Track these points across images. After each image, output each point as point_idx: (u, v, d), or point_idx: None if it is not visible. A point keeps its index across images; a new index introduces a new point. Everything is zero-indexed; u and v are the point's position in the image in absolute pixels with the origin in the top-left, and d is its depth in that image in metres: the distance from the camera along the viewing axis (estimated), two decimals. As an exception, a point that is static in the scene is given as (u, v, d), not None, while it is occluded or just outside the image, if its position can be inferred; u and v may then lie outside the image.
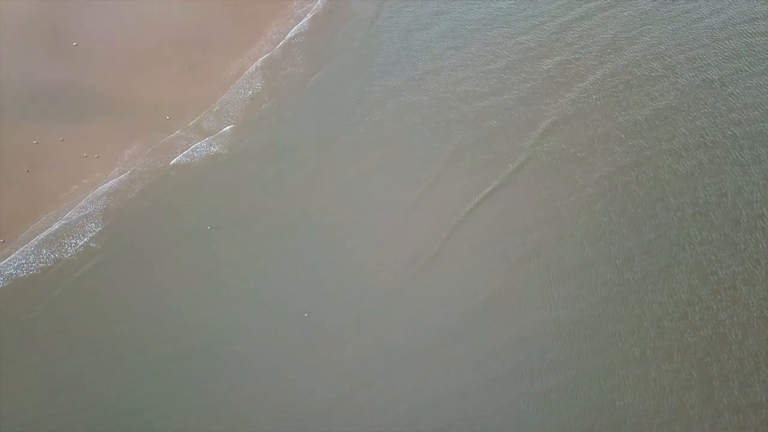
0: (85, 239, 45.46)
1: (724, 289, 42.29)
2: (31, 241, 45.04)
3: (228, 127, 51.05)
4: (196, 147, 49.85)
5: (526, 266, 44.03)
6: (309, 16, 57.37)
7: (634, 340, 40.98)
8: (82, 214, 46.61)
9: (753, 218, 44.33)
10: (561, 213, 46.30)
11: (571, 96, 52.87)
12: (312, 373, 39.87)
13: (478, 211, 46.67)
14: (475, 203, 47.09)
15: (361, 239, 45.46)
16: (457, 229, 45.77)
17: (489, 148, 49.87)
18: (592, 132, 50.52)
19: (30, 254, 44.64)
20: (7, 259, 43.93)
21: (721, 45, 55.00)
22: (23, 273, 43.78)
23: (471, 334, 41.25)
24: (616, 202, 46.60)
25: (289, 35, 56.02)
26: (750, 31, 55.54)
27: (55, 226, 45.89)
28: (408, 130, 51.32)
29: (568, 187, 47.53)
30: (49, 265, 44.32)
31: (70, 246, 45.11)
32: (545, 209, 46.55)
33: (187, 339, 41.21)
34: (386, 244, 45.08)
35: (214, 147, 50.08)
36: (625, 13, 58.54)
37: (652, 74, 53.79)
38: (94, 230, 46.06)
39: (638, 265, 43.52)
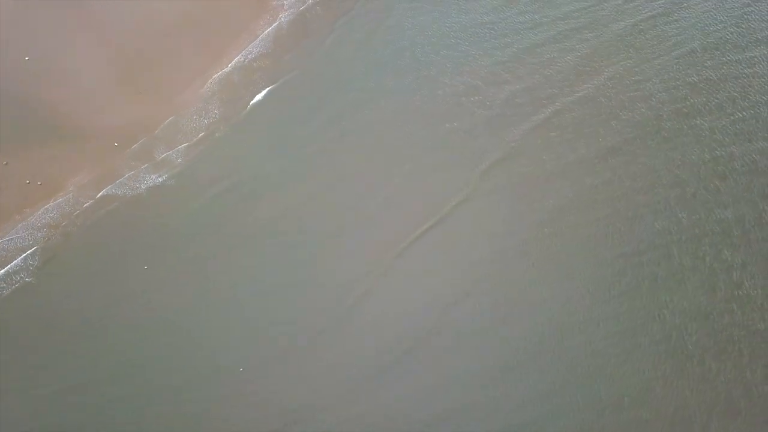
0: (20, 273, 43.58)
1: (692, 365, 38.58)
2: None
3: (179, 156, 48.35)
4: (143, 177, 47.31)
5: (457, 314, 40.94)
6: (271, 33, 53.85)
7: (588, 413, 37.77)
8: (18, 245, 44.70)
9: (731, 287, 40.26)
10: (506, 255, 42.89)
11: (531, 125, 48.35)
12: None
13: (418, 244, 43.61)
14: (417, 236, 44.01)
15: (292, 276, 43.09)
16: (395, 264, 43.02)
17: (442, 177, 46.39)
18: (550, 166, 46.22)
19: (-41, 286, 42.94)
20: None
21: (707, 77, 49.17)
22: (-49, 306, 42.20)
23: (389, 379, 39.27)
24: (573, 250, 42.65)
25: (247, 56, 52.71)
26: (740, 61, 49.56)
27: (-11, 257, 44.12)
28: (362, 155, 48.17)
29: (517, 225, 43.89)
30: (-21, 299, 42.67)
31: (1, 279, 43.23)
32: (487, 249, 43.15)
33: (108, 368, 40.04)
34: (318, 279, 42.81)
35: (162, 177, 47.45)
36: (601, 38, 53.06)
37: (624, 106, 48.47)
38: (30, 264, 44.19)
39: (599, 329, 39.90)
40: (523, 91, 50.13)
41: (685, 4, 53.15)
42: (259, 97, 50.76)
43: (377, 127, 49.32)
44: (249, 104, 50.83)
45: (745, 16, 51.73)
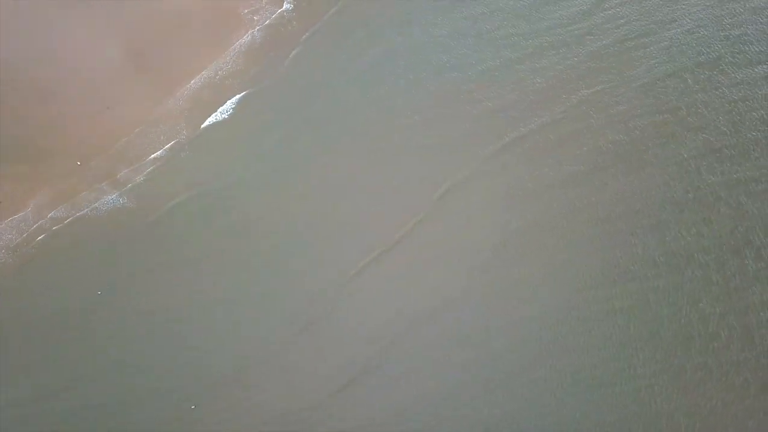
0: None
1: (662, 421, 36.28)
2: None
3: (139, 174, 46.67)
4: (103, 196, 45.73)
5: (418, 335, 39.39)
6: (244, 46, 51.52)
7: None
8: (-27, 267, 43.52)
9: (707, 339, 37.86)
10: (467, 276, 40.94)
11: (501, 146, 45.82)
12: None
13: (362, 277, 41.88)
14: (362, 267, 42.27)
15: (246, 292, 41.95)
16: (353, 283, 41.72)
17: (406, 195, 44.57)
18: (516, 189, 43.92)
19: None
20: None
21: (693, 102, 45.66)
22: None
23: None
24: (535, 280, 40.39)
25: (217, 71, 50.61)
26: (729, 85, 46.00)
27: (-58, 281, 42.87)
28: (325, 170, 46.51)
29: (479, 247, 41.78)
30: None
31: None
32: (449, 269, 41.27)
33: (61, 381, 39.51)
34: (273, 297, 41.60)
35: (122, 196, 45.87)
36: (581, 56, 49.69)
37: (600, 131, 45.47)
38: (-15, 287, 42.98)
39: (564, 377, 37.73)
40: (496, 110, 47.61)
41: (670, 26, 49.90)
42: (223, 114, 48.98)
43: (342, 142, 47.36)
44: (212, 121, 49.02)
45: (737, 38, 48.48)
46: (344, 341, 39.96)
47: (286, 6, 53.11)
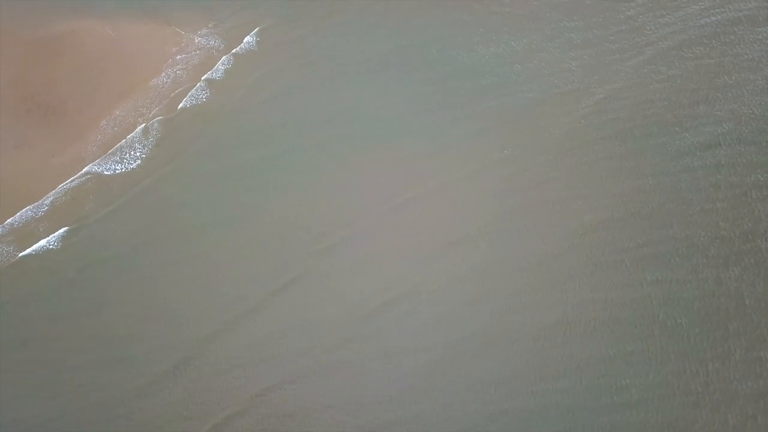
0: None
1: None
2: None
3: (39, 225, 44.04)
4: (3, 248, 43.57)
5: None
6: (161, 89, 49.11)
7: None
8: None
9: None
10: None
11: (375, 213, 41.78)
12: None
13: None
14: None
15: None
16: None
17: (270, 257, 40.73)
18: (395, 243, 39.97)
19: None
20: None
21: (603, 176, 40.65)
22: None
23: None
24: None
25: (138, 116, 47.87)
26: (646, 170, 40.79)
27: None
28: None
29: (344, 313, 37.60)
30: None
31: None
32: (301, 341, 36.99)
33: None
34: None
35: (24, 250, 42.88)
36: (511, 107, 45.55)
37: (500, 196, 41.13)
38: None
39: None
40: (391, 165, 43.56)
41: (599, 88, 45.06)
42: (131, 162, 46.17)
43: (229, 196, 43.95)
44: (119, 169, 46.18)
45: (666, 107, 43.55)
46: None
47: (216, 44, 50.86)
